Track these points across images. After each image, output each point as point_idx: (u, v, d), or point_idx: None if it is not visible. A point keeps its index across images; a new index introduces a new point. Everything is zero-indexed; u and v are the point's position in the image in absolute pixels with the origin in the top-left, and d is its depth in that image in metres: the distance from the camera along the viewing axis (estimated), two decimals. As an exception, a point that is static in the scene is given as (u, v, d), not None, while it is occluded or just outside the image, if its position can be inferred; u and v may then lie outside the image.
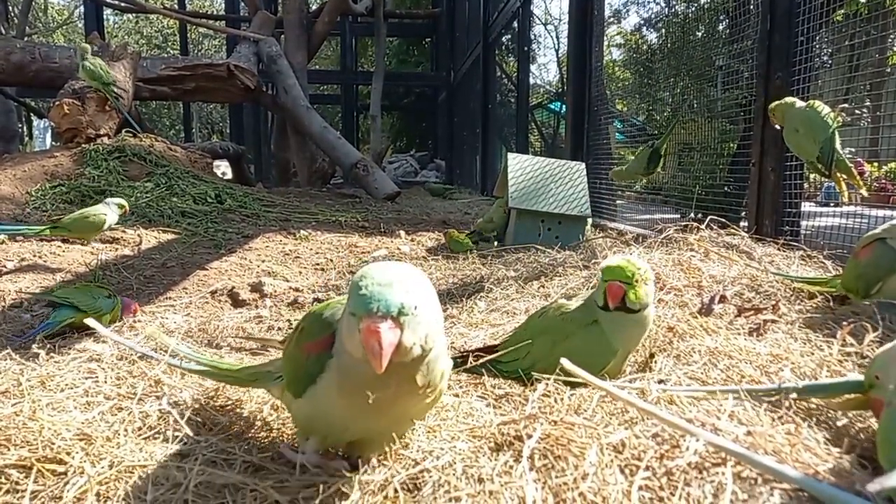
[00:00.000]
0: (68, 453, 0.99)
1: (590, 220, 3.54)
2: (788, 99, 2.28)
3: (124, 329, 1.93)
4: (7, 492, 0.92)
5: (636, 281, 1.22)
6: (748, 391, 1.06)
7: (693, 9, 4.59)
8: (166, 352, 1.29)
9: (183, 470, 0.95)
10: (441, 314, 0.90)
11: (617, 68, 9.14)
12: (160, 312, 2.20)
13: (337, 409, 0.92)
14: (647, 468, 0.85)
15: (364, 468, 0.94)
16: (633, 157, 3.56)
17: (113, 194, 4.05)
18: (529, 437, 0.93)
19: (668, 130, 3.45)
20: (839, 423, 1.01)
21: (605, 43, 5.88)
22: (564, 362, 1.21)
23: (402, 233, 4.28)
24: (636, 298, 1.23)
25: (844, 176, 2.11)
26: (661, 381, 1.18)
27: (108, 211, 3.25)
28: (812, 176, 3.19)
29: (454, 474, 0.88)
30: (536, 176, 3.52)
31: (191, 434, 1.07)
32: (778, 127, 2.34)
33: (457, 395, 1.27)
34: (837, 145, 2.09)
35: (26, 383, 1.25)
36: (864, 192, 2.20)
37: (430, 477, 0.88)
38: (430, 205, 6.96)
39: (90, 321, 1.43)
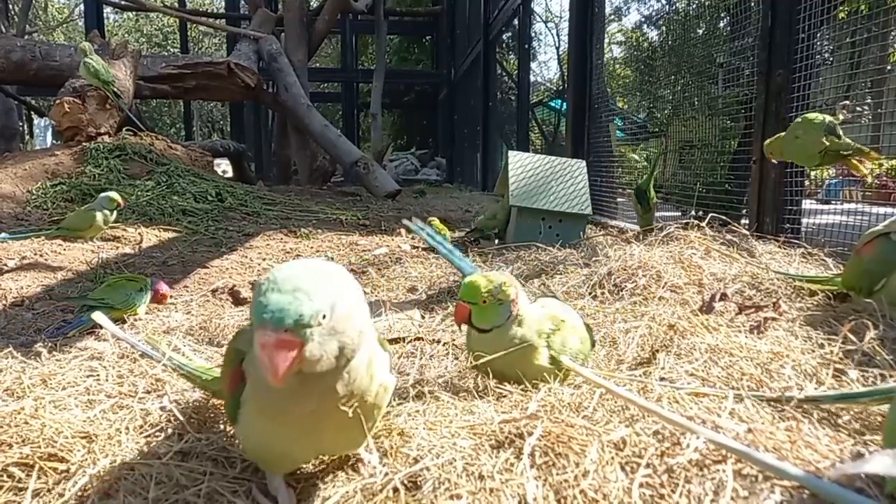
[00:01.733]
0: (70, 451, 0.99)
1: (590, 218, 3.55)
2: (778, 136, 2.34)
3: (125, 327, 1.94)
4: (9, 490, 0.93)
5: (483, 302, 1.24)
6: (756, 397, 1.05)
7: (694, 6, 4.58)
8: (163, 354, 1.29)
9: (184, 468, 0.96)
10: (367, 319, 0.83)
11: (618, 66, 9.13)
12: (161, 310, 2.20)
13: (266, 437, 0.86)
14: (647, 465, 0.85)
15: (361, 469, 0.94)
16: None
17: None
18: (530, 434, 0.93)
19: (651, 170, 3.44)
20: (840, 420, 1.01)
21: (606, 40, 5.87)
22: (565, 360, 1.21)
23: (403, 231, 4.28)
24: (480, 319, 1.25)
25: (858, 157, 2.12)
26: (662, 379, 1.19)
27: (98, 207, 3.25)
28: (813, 174, 3.19)
29: (455, 472, 0.89)
30: (537, 174, 3.52)
31: (192, 432, 1.08)
32: (775, 161, 2.40)
33: (457, 393, 1.27)
34: (843, 136, 2.10)
35: (28, 381, 1.25)
36: (867, 179, 2.20)
37: (431, 475, 0.89)
38: (430, 203, 6.96)
39: (98, 316, 1.45)
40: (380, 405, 0.90)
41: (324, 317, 0.74)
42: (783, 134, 2.29)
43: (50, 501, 0.90)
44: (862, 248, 1.57)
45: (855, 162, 2.13)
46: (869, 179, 2.21)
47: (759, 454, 0.81)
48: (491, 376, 1.28)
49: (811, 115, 2.18)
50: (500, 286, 1.25)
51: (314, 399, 0.80)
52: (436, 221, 3.65)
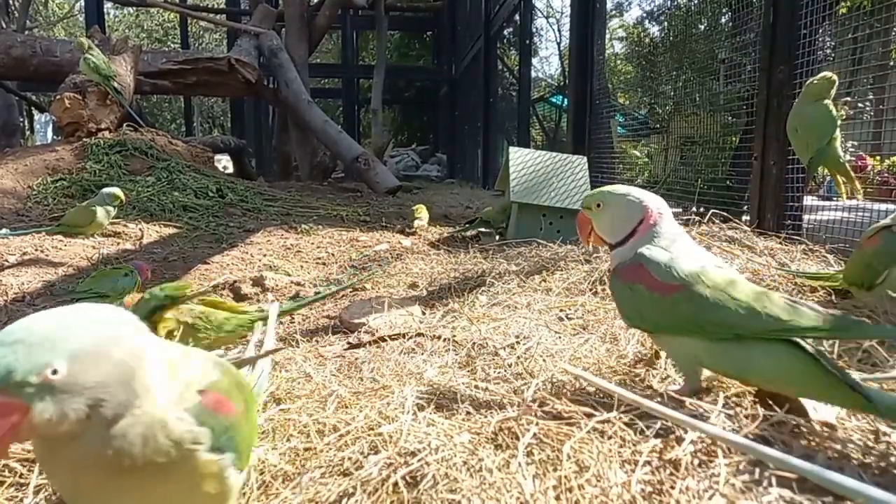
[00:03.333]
0: (71, 446, 0.99)
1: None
2: (814, 88, 2.17)
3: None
4: (11, 485, 0.93)
5: None
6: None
7: (695, 1, 4.57)
8: None
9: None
10: (142, 367, 0.66)
11: (619, 61, 9.11)
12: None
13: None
14: (646, 461, 0.85)
15: (362, 464, 0.94)
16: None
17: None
18: (528, 430, 0.93)
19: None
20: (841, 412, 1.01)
21: (608, 36, 5.86)
22: (566, 366, 1.21)
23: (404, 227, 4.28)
24: None
25: (844, 179, 2.15)
26: (663, 380, 1.19)
27: (99, 203, 3.25)
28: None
29: (454, 467, 0.89)
30: (538, 170, 3.51)
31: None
32: None
33: (458, 390, 1.27)
34: (839, 149, 2.11)
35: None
36: (859, 197, 2.23)
37: (430, 469, 0.89)
38: (431, 199, 6.95)
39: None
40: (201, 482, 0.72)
41: (54, 372, 0.60)
42: (815, 88, 2.17)
43: (51, 497, 0.91)
44: (865, 242, 1.57)
45: (839, 180, 2.16)
46: (844, 200, 2.23)
47: (760, 447, 0.82)
48: None
49: (814, 116, 2.15)
50: None
51: (67, 468, 0.67)
52: (420, 208, 4.14)
